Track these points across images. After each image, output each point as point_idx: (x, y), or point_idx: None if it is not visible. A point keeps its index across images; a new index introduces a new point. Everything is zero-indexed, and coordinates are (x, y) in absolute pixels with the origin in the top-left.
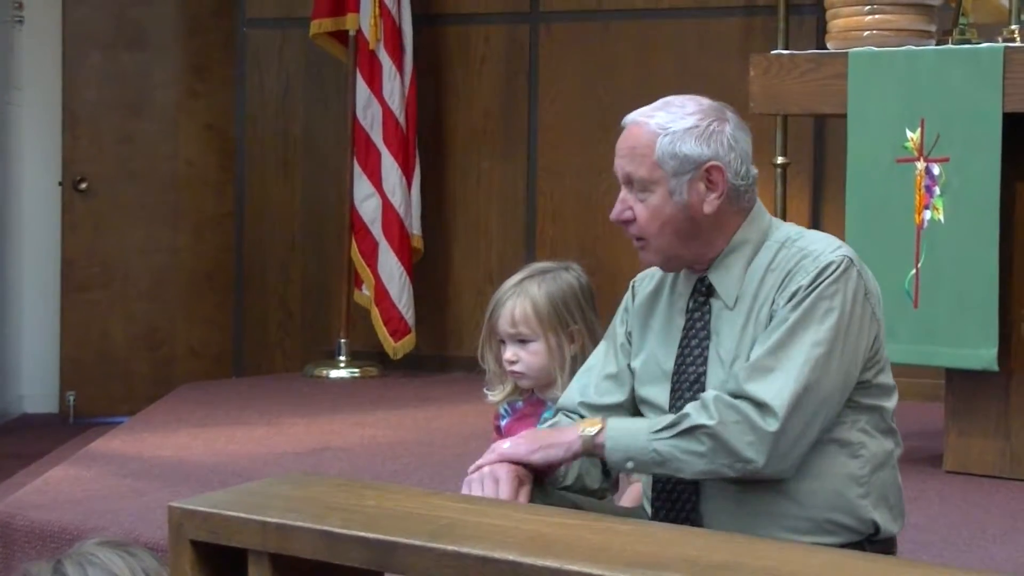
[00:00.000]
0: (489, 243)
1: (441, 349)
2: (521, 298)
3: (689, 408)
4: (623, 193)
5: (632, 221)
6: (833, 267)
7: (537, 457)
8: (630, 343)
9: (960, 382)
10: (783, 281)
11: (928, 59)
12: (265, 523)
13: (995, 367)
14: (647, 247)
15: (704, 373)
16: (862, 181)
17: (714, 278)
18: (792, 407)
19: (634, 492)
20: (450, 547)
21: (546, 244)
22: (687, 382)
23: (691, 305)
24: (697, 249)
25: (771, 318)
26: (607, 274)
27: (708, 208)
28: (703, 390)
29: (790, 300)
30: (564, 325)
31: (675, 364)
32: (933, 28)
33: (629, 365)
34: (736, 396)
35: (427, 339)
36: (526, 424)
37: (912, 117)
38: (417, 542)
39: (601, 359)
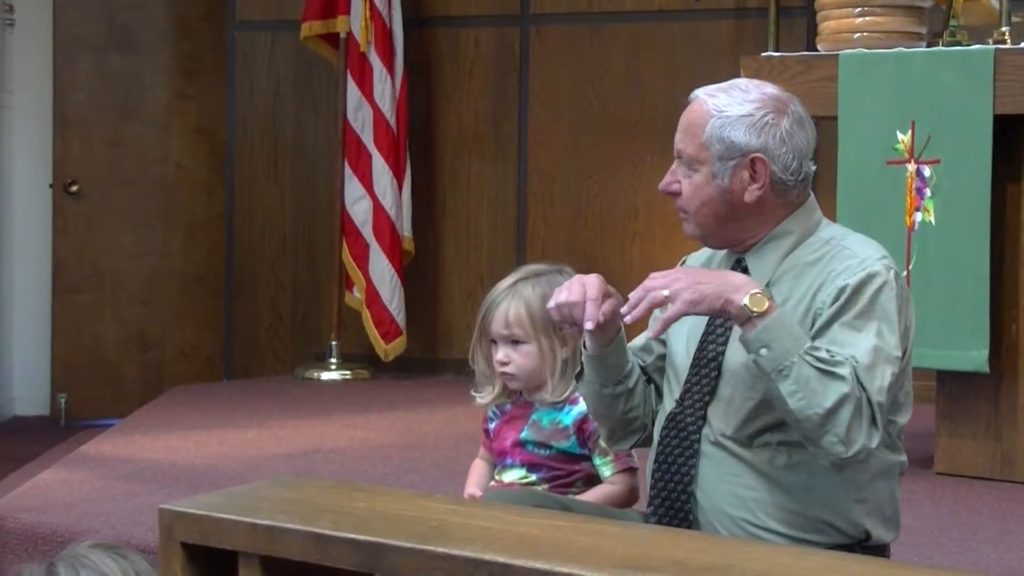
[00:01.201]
0: (480, 245)
1: (432, 351)
2: (515, 300)
3: (846, 362)
4: (674, 165)
5: (678, 194)
6: (881, 277)
7: (701, 309)
8: None
9: (951, 384)
10: (826, 279)
11: (918, 61)
12: (255, 525)
13: (986, 369)
14: (688, 220)
15: (723, 353)
16: (853, 183)
17: (751, 261)
18: (880, 397)
19: (596, 493)
20: (440, 549)
21: (537, 246)
22: (705, 358)
23: None
24: (735, 233)
25: (809, 313)
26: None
27: (749, 197)
28: (719, 369)
29: (837, 299)
30: (557, 328)
31: (700, 341)
32: (923, 30)
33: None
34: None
35: (418, 341)
36: (514, 426)
37: (903, 119)
38: (407, 544)
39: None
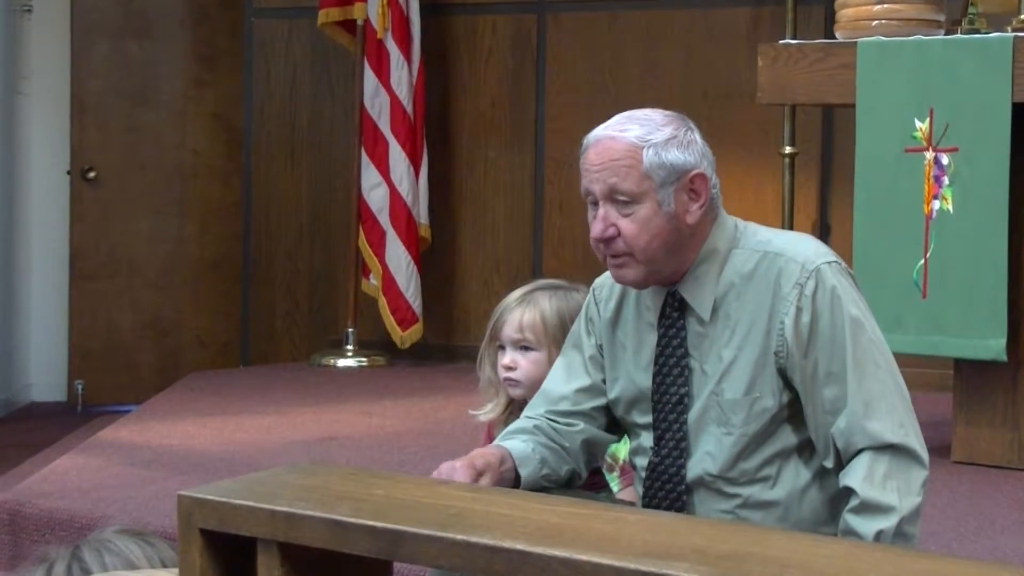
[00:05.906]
0: (496, 233)
1: (448, 338)
2: (531, 307)
3: (879, 494)
4: (603, 210)
5: (615, 237)
6: (829, 277)
7: None
8: (602, 355)
9: (968, 372)
10: (775, 294)
11: (937, 49)
12: (274, 512)
13: (1003, 357)
14: (630, 263)
15: (687, 394)
16: (871, 171)
17: (686, 292)
18: (912, 425)
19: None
20: (458, 536)
21: (553, 234)
22: (669, 403)
23: (664, 322)
24: (676, 263)
25: (771, 334)
26: None
27: (691, 219)
28: (686, 412)
29: (799, 332)
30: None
31: (653, 384)
32: (942, 18)
33: (604, 380)
34: (878, 447)
35: (434, 328)
36: None
37: (921, 107)
38: (425, 531)
39: (563, 374)
